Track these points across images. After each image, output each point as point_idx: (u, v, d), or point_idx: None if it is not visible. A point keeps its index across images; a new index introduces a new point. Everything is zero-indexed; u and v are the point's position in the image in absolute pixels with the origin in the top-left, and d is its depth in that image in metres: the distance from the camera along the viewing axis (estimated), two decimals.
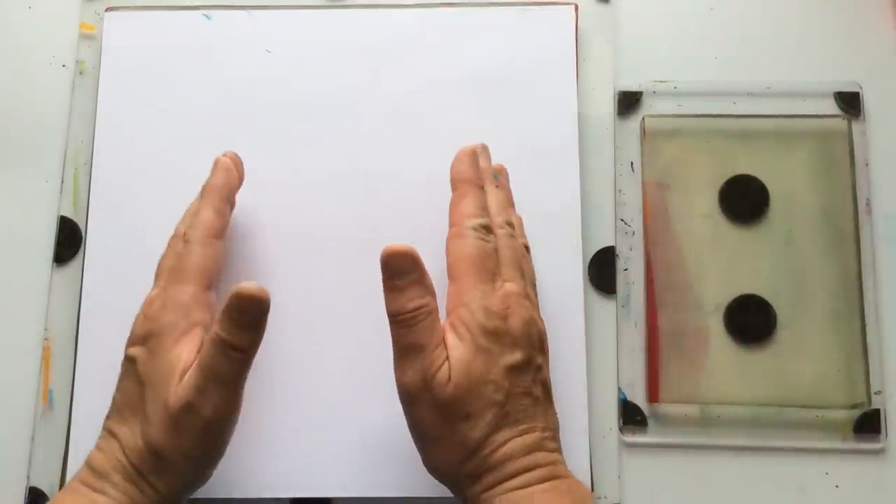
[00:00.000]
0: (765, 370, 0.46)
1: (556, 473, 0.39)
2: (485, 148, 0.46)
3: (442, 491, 0.44)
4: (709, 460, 0.45)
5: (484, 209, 0.43)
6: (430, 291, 0.40)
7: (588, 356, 0.46)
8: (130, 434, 0.39)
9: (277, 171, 0.49)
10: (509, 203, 0.46)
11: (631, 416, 0.46)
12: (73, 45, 0.52)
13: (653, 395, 0.46)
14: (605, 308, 0.47)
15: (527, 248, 0.45)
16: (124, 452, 0.39)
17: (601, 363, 0.47)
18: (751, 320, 0.47)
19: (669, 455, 0.46)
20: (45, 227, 0.49)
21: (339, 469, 0.45)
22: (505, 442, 0.38)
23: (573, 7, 0.51)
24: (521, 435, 0.39)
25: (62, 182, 0.49)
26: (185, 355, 0.40)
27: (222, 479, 0.45)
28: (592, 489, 0.44)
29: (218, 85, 0.50)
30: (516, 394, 0.39)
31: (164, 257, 0.44)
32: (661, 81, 0.50)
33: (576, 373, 0.46)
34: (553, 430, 0.40)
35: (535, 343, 0.41)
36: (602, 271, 0.48)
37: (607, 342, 0.47)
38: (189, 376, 0.39)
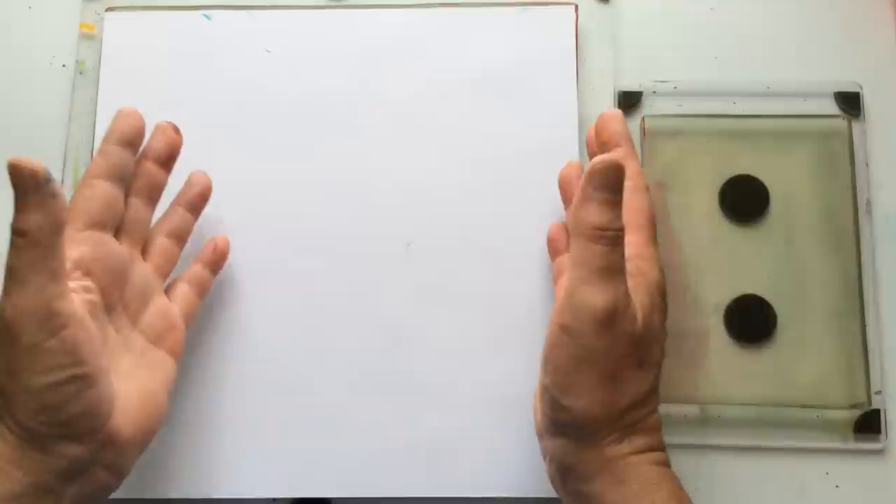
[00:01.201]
0: (765, 370, 0.46)
1: (670, 462, 0.39)
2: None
3: (442, 491, 0.44)
4: (709, 460, 0.45)
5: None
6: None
7: None
8: None
9: (277, 171, 0.49)
10: None
11: None
12: (73, 45, 0.52)
13: None
14: None
15: None
16: None
17: None
18: (751, 320, 0.47)
19: (669, 455, 0.45)
20: None
21: (339, 469, 0.45)
22: (656, 409, 0.39)
23: (573, 7, 0.51)
24: (657, 409, 0.39)
25: (62, 182, 0.49)
26: None
27: (222, 479, 0.45)
28: None
29: (218, 85, 0.50)
30: (660, 367, 0.39)
31: None
32: (661, 81, 0.50)
33: None
34: None
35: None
36: None
37: None
38: None
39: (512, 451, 0.45)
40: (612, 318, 0.36)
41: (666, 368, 0.46)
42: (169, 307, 0.43)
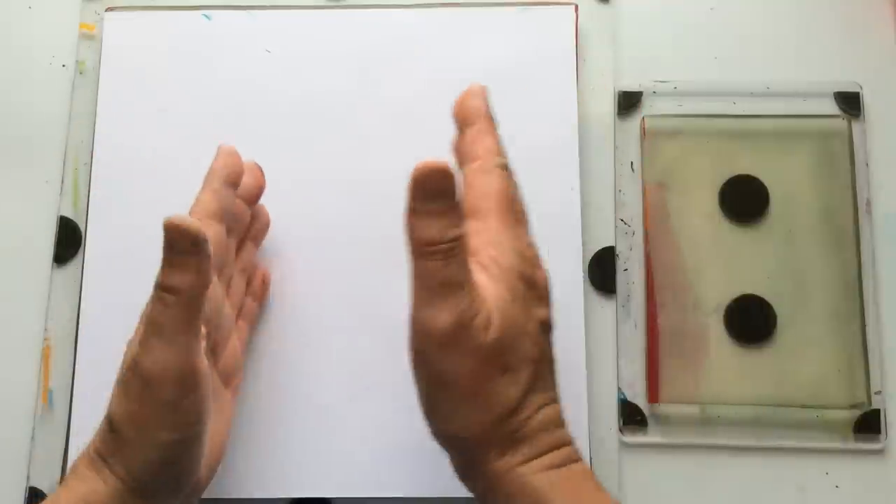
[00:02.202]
0: (765, 370, 0.46)
1: (579, 456, 0.36)
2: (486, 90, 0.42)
3: (442, 490, 0.44)
4: (709, 460, 0.45)
5: (504, 150, 0.39)
6: (464, 220, 0.35)
7: (588, 356, 0.46)
8: (102, 421, 0.37)
9: (277, 171, 0.49)
10: None
11: (631, 417, 0.46)
12: (73, 45, 0.52)
13: (653, 395, 0.46)
14: (605, 308, 0.47)
15: None
16: (93, 441, 0.37)
17: (601, 363, 0.46)
18: (751, 320, 0.47)
19: (669, 455, 0.46)
20: (45, 227, 0.49)
21: (339, 469, 0.45)
22: (539, 408, 0.35)
23: (573, 7, 0.51)
24: (549, 403, 0.35)
25: (62, 182, 0.49)
26: None
27: (222, 479, 0.45)
28: None
29: (218, 85, 0.50)
30: (546, 354, 0.36)
31: None
32: (661, 81, 0.50)
33: (576, 373, 0.45)
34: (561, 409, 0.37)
35: (552, 305, 0.37)
36: (602, 271, 0.48)
37: (607, 342, 0.47)
38: (136, 333, 0.36)
39: None
40: (455, 337, 0.34)
41: (666, 368, 0.46)
42: (237, 347, 0.43)
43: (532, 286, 0.36)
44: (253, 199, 0.44)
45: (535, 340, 0.35)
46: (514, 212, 0.37)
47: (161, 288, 0.35)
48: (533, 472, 0.34)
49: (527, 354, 0.35)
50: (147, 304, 0.36)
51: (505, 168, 0.38)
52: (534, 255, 0.37)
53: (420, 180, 0.34)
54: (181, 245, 0.35)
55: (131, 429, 0.35)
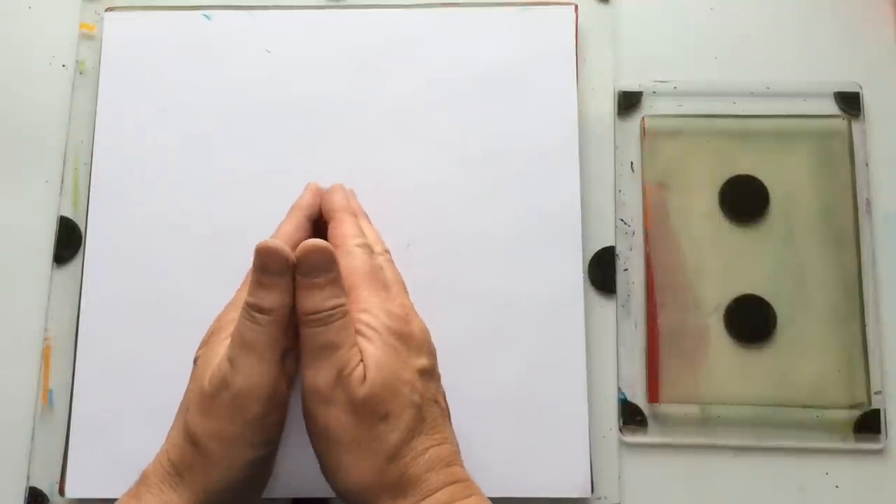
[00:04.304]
0: (765, 370, 0.46)
1: (475, 491, 0.37)
2: (352, 192, 0.47)
3: None
4: (709, 460, 0.45)
5: (362, 234, 0.43)
6: (344, 291, 0.39)
7: (588, 356, 0.46)
8: (175, 432, 0.38)
9: (277, 171, 0.49)
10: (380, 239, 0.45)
11: (631, 416, 0.46)
12: (73, 45, 0.52)
13: (653, 395, 0.46)
14: (605, 308, 0.47)
15: None
16: (166, 452, 0.38)
17: (601, 363, 0.47)
18: (751, 320, 0.47)
19: (669, 455, 0.46)
20: (45, 227, 0.49)
21: None
22: (425, 450, 0.37)
23: (573, 7, 0.51)
24: (438, 445, 0.37)
25: (62, 182, 0.49)
26: None
27: None
28: (592, 489, 0.44)
29: (218, 85, 0.50)
30: (428, 399, 0.38)
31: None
32: (661, 81, 0.50)
33: (576, 373, 0.46)
34: (458, 450, 0.39)
35: (434, 354, 0.40)
36: (602, 271, 0.48)
37: (607, 342, 0.47)
38: (223, 350, 0.38)
39: (511, 450, 0.45)
40: (334, 392, 0.37)
41: (666, 368, 0.46)
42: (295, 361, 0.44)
43: (407, 339, 0.39)
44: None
45: (413, 387, 0.38)
46: (379, 280, 0.41)
47: (253, 308, 0.38)
48: None
49: (405, 401, 0.37)
50: (237, 324, 0.38)
51: (363, 246, 0.42)
52: (405, 312, 0.40)
53: (301, 258, 0.38)
54: (273, 267, 0.38)
55: (217, 445, 0.37)
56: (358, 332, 0.38)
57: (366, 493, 0.37)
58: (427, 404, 0.38)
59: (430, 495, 0.36)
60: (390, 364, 0.38)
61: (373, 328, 0.38)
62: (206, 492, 0.37)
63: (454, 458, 0.38)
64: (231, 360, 0.37)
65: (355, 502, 0.37)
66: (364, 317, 0.39)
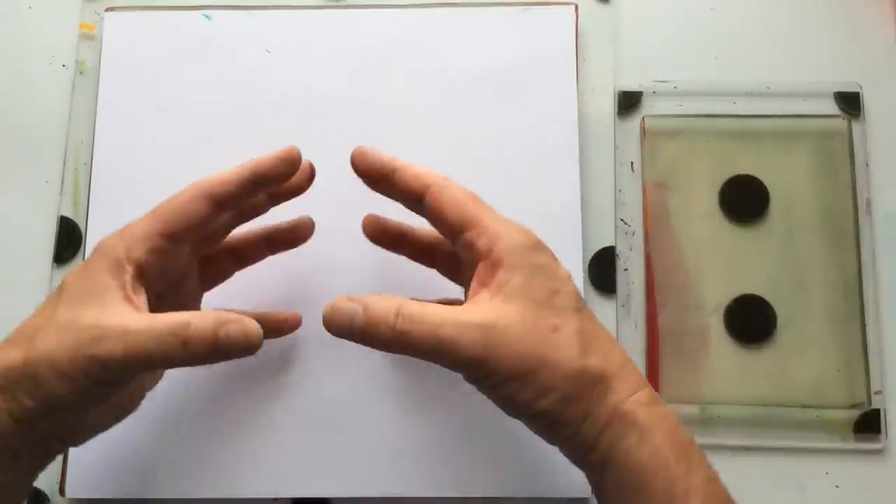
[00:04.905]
0: (765, 370, 0.46)
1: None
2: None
3: (442, 490, 0.44)
4: (709, 460, 0.45)
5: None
6: None
7: None
8: None
9: None
10: None
11: None
12: (73, 45, 0.52)
13: None
14: (605, 308, 0.47)
15: None
16: None
17: None
18: (751, 320, 0.47)
19: None
20: (45, 227, 0.49)
21: (339, 469, 0.45)
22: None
23: (573, 7, 0.51)
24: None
25: (62, 182, 0.49)
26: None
27: (222, 479, 0.45)
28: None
29: (218, 85, 0.50)
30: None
31: None
32: (661, 81, 0.50)
33: None
34: None
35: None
36: (602, 271, 0.48)
37: None
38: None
39: (511, 450, 0.45)
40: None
41: (666, 368, 0.46)
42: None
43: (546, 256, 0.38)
44: (276, 196, 0.44)
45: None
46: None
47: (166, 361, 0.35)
48: (644, 405, 0.36)
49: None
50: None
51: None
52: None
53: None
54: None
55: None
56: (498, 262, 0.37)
57: (594, 385, 0.36)
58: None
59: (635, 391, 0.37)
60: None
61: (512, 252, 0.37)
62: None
63: None
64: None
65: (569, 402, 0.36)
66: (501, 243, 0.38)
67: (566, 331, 0.36)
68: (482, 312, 0.36)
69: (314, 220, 0.48)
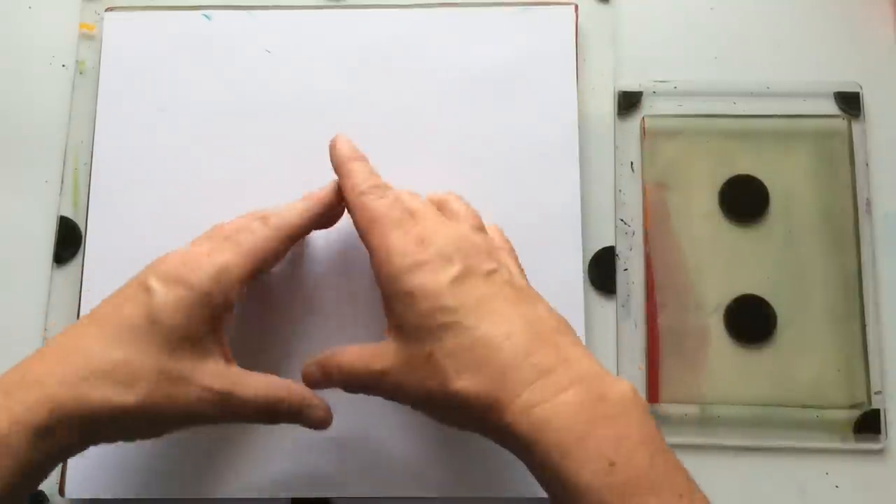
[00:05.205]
0: (765, 370, 0.46)
1: None
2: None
3: (442, 490, 0.44)
4: (709, 460, 0.45)
5: (373, 174, 0.41)
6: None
7: None
8: None
9: (277, 171, 0.49)
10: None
11: None
12: (73, 45, 0.52)
13: (653, 395, 0.46)
14: (605, 308, 0.47)
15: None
16: None
17: (601, 363, 0.46)
18: (751, 320, 0.47)
19: None
20: (45, 227, 0.49)
21: (339, 469, 0.45)
22: None
23: (573, 7, 0.51)
24: None
25: (62, 182, 0.49)
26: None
27: (222, 479, 0.45)
28: None
29: (218, 85, 0.50)
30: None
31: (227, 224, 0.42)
32: (661, 81, 0.50)
33: None
34: None
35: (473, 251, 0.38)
36: (602, 271, 0.48)
37: (607, 342, 0.47)
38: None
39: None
40: None
41: (666, 368, 0.46)
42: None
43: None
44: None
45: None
46: (393, 219, 0.40)
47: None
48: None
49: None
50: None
51: (372, 190, 0.41)
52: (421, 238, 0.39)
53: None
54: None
55: None
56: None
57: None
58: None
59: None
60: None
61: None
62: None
63: None
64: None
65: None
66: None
67: (439, 355, 0.36)
68: (381, 356, 0.38)
69: None
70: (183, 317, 0.37)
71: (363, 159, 0.42)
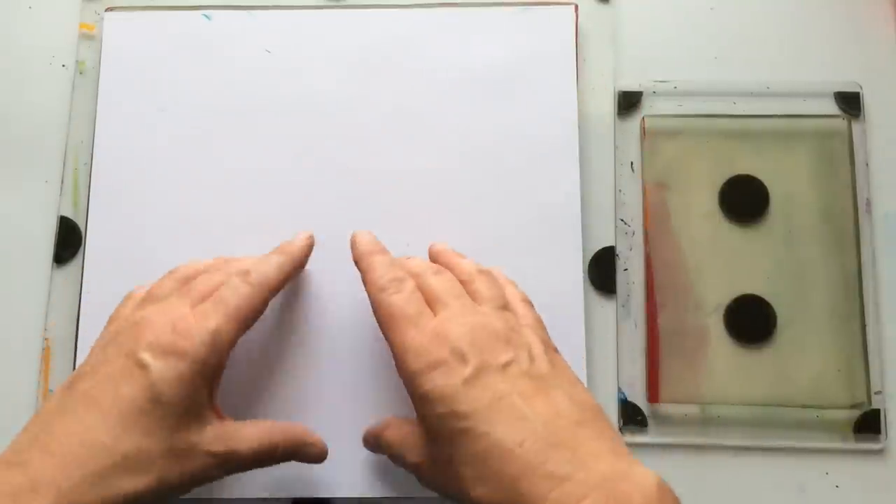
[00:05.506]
0: (765, 370, 0.46)
1: None
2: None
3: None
4: (709, 460, 0.45)
5: (392, 266, 0.41)
6: None
7: (588, 356, 0.46)
8: None
9: (277, 171, 0.49)
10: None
11: (631, 416, 0.46)
12: (73, 45, 0.52)
13: (653, 395, 0.46)
14: (605, 308, 0.47)
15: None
16: None
17: (601, 363, 0.47)
18: (751, 320, 0.47)
19: (669, 455, 0.46)
20: (45, 227, 0.49)
21: (339, 469, 0.45)
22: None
23: (573, 7, 0.51)
24: None
25: (62, 182, 0.49)
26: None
27: (223, 479, 0.45)
28: None
29: (218, 85, 0.50)
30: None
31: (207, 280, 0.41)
32: (661, 81, 0.50)
33: (576, 373, 0.45)
34: None
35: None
36: (602, 271, 0.48)
37: (607, 342, 0.47)
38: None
39: None
40: None
41: (666, 368, 0.46)
42: None
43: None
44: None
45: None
46: (405, 316, 0.40)
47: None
48: None
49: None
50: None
51: (391, 284, 0.41)
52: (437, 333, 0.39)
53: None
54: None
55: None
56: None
57: None
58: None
59: None
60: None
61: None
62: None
63: None
64: None
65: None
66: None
67: (457, 461, 0.36)
68: (416, 447, 0.39)
69: (313, 220, 0.48)
70: (183, 389, 0.37)
71: (383, 252, 0.42)
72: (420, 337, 0.38)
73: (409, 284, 0.40)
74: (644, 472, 0.34)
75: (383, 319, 0.39)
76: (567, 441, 0.34)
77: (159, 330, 0.38)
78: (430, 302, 0.40)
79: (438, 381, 0.36)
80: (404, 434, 0.40)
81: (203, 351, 0.38)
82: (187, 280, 0.42)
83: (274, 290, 0.42)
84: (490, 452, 0.34)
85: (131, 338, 0.38)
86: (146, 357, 0.37)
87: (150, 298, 0.41)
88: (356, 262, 0.43)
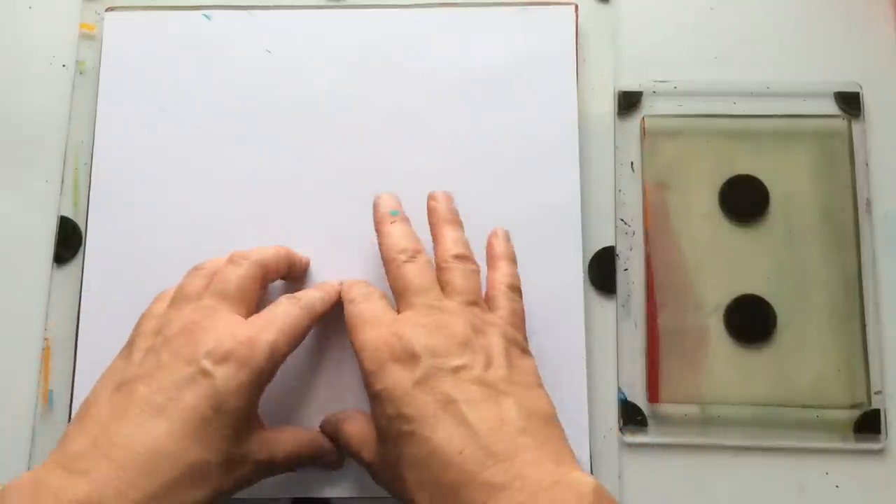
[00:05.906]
0: (765, 370, 0.46)
1: None
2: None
3: None
4: (709, 460, 0.45)
5: (408, 236, 0.42)
6: None
7: (588, 356, 0.46)
8: None
9: (277, 171, 0.49)
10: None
11: (631, 416, 0.46)
12: (73, 45, 0.52)
13: (653, 395, 0.46)
14: (605, 308, 0.47)
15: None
16: None
17: (601, 363, 0.47)
18: (751, 320, 0.47)
19: (669, 455, 0.46)
20: (45, 227, 0.49)
21: (339, 469, 0.45)
22: None
23: (573, 7, 0.51)
24: None
25: (62, 182, 0.49)
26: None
27: None
28: None
29: (218, 85, 0.50)
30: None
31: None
32: (661, 81, 0.50)
33: (576, 373, 0.46)
34: None
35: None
36: (602, 271, 0.48)
37: (607, 342, 0.47)
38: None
39: None
40: None
41: (666, 368, 0.46)
42: None
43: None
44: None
45: None
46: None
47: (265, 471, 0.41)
48: None
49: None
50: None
51: (401, 253, 0.42)
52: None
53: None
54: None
55: None
56: None
57: None
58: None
59: None
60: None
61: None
62: None
63: None
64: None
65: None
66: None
67: (402, 464, 0.36)
68: (369, 445, 0.40)
69: (313, 220, 0.48)
70: (244, 399, 0.38)
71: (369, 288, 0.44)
72: (377, 337, 0.39)
73: (376, 293, 0.42)
74: (581, 477, 0.34)
75: (349, 325, 0.41)
76: (507, 450, 0.34)
77: (219, 337, 0.38)
78: (399, 295, 0.41)
79: (388, 382, 0.37)
80: (362, 430, 0.40)
81: (264, 362, 0.38)
82: (213, 275, 0.42)
83: (317, 319, 0.42)
84: (431, 458, 0.35)
85: (188, 343, 0.38)
86: (208, 365, 0.37)
87: (182, 297, 0.41)
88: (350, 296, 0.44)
